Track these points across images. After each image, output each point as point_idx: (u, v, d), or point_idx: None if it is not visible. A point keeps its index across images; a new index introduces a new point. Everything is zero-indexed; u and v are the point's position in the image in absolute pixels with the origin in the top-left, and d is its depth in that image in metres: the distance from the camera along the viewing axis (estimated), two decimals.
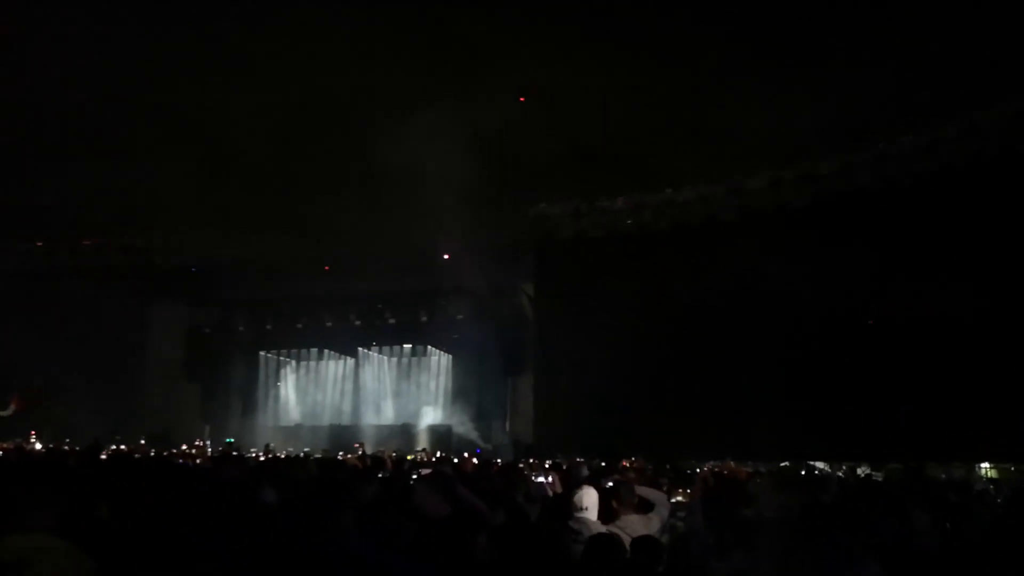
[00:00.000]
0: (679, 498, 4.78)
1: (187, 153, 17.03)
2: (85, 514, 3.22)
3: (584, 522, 4.02)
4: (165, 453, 13.49)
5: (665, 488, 5.88)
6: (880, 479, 11.77)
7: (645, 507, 4.36)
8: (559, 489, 5.55)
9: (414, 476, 5.96)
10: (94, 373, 19.17)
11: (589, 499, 4.17)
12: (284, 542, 3.12)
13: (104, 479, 4.68)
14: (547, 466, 8.16)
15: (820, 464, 14.25)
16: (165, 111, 16.36)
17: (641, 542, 3.67)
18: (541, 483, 5.64)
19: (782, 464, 14.27)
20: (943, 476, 11.85)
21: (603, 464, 9.40)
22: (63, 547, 2.59)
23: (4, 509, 2.65)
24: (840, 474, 12.40)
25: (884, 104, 14.83)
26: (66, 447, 12.85)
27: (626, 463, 11.75)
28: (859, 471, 13.16)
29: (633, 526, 4.06)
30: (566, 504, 4.25)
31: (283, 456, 12.41)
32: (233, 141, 16.52)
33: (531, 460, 12.93)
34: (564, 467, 7.40)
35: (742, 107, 14.82)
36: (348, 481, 5.55)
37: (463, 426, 22.51)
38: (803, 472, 12.10)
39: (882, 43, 13.81)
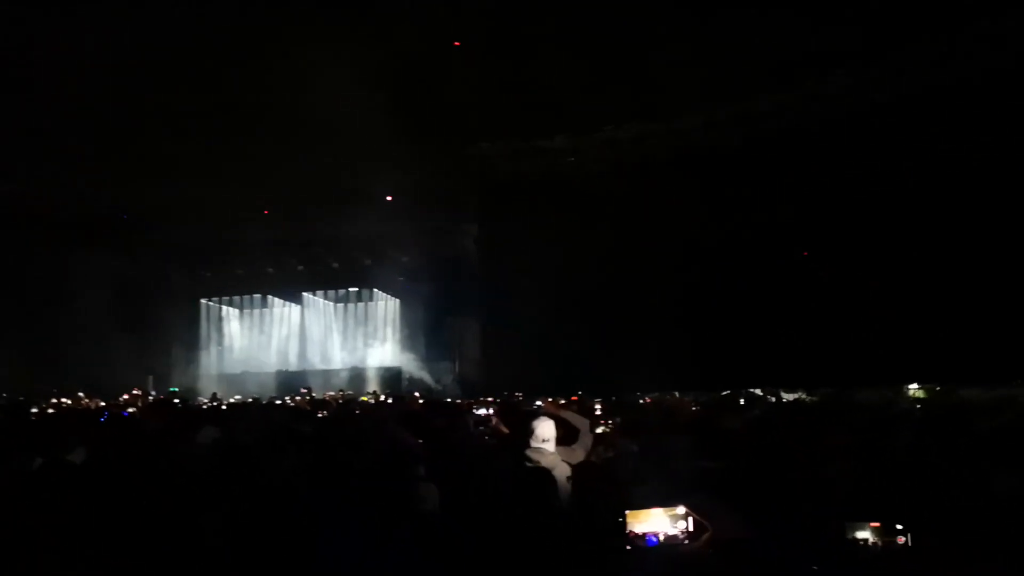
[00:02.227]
0: (602, 428, 4.92)
1: (113, 99, 16.25)
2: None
3: (542, 452, 4.04)
4: (103, 404, 13.25)
5: (609, 422, 6.07)
6: (812, 402, 12.34)
7: (570, 437, 4.45)
8: (497, 423, 5.66)
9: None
10: (21, 327, 18.51)
11: (547, 430, 4.15)
12: (221, 493, 3.11)
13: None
14: (488, 402, 8.33)
15: (757, 391, 14.83)
16: (89, 58, 15.51)
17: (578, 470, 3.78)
18: (482, 414, 5.76)
19: (723, 393, 14.79)
20: (873, 398, 12.49)
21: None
22: None
23: None
24: (771, 399, 12.91)
25: (816, 40, 14.88)
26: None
27: (574, 398, 12.03)
28: (788, 396, 13.73)
29: (561, 455, 4.16)
30: (523, 435, 4.25)
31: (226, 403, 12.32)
32: (162, 80, 15.81)
33: (482, 399, 13.14)
34: (499, 402, 7.56)
35: (678, 44, 14.71)
36: (286, 421, 5.56)
37: (412, 368, 22.64)
38: (740, 400, 12.62)
39: None
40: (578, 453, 4.33)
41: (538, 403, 7.51)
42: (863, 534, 2.45)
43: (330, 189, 19.81)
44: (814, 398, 12.80)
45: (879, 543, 2.42)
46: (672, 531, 2.18)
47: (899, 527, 2.43)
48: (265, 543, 2.46)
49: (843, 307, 15.35)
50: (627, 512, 2.21)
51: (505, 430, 5.37)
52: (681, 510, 2.15)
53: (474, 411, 6.01)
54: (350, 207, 20.13)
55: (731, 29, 14.00)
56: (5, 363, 17.77)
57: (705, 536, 2.12)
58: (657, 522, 2.18)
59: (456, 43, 15.17)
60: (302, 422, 4.91)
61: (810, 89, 16.47)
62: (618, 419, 5.87)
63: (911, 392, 14.20)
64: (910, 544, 2.40)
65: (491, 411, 6.24)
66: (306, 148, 17.09)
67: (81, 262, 21.12)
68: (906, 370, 14.17)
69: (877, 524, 2.44)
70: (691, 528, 2.14)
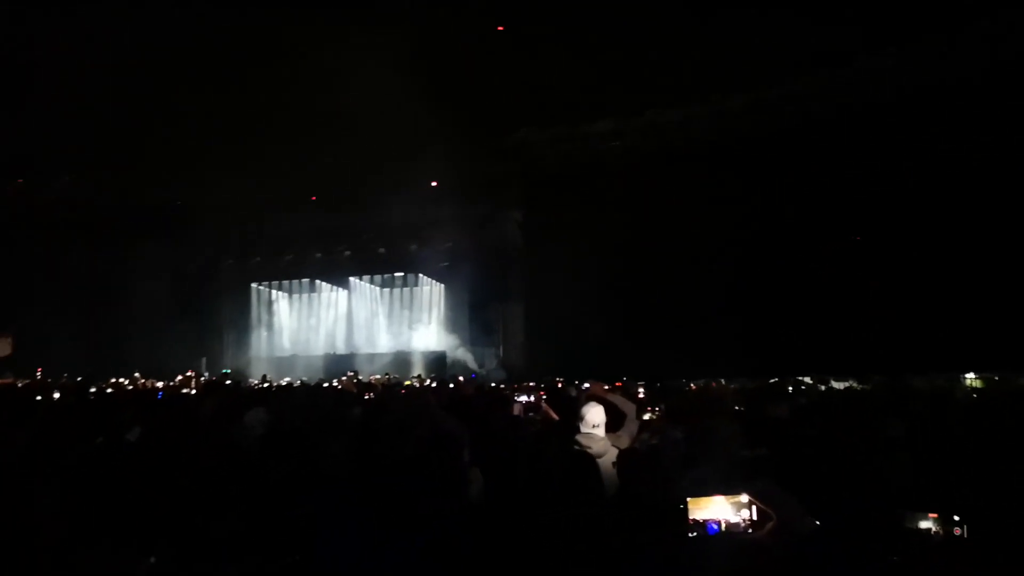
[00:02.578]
0: (648, 415, 4.88)
1: (166, 88, 16.70)
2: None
3: (592, 437, 4.05)
4: (159, 384, 13.70)
5: (654, 409, 6.02)
6: (863, 390, 12.06)
7: (616, 422, 4.43)
8: (547, 409, 5.65)
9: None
10: (81, 314, 19.24)
11: (597, 415, 4.16)
12: (270, 486, 3.18)
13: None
14: (530, 387, 8.34)
15: (807, 379, 14.55)
16: (143, 52, 15.97)
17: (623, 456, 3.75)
18: (525, 400, 5.77)
19: (771, 380, 14.56)
20: (927, 387, 12.14)
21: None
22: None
23: None
24: (822, 387, 12.65)
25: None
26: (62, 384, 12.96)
27: (619, 384, 11.99)
28: (839, 385, 13.43)
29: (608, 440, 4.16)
30: (573, 420, 4.26)
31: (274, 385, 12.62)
32: (210, 76, 16.18)
33: (524, 384, 13.18)
34: (544, 387, 7.57)
35: (727, 23, 14.40)
36: (332, 405, 5.67)
37: (457, 352, 22.82)
38: (789, 388, 12.40)
39: None
40: (623, 439, 4.32)
41: (586, 385, 7.49)
42: (924, 524, 2.41)
43: (376, 176, 20.01)
44: (865, 386, 12.50)
45: (940, 532, 2.39)
46: (734, 519, 2.15)
47: (956, 518, 2.38)
48: (308, 527, 2.52)
49: (897, 294, 14.92)
50: (688, 499, 2.19)
51: (555, 416, 5.37)
52: (744, 498, 2.12)
53: (516, 398, 6.01)
54: (396, 194, 20.32)
55: (777, 9, 13.66)
56: (69, 347, 18.52)
57: (769, 525, 2.09)
58: (719, 509, 2.16)
59: (500, 27, 15.10)
60: (349, 405, 4.99)
61: (861, 70, 15.97)
62: (662, 405, 5.81)
63: (968, 381, 13.78)
64: (966, 535, 2.35)
65: (532, 397, 6.23)
66: (352, 136, 17.27)
67: (139, 252, 21.87)
68: (962, 358, 13.75)
69: (935, 515, 2.40)
70: (755, 516, 2.11)
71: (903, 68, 15.68)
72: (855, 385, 13.26)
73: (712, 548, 2.12)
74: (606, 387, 5.71)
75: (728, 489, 2.15)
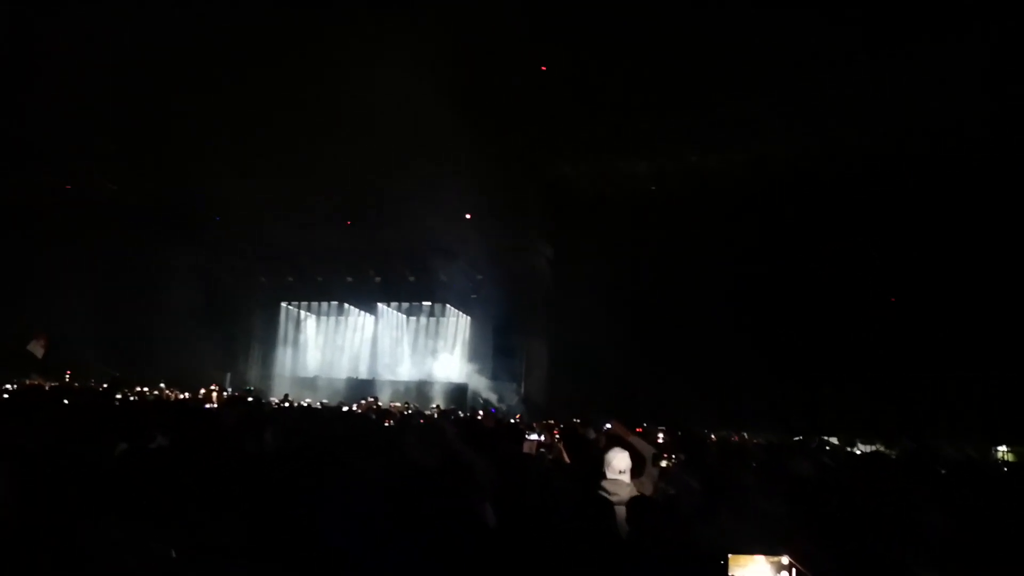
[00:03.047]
0: (665, 463, 4.78)
1: (209, 101, 17.10)
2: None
3: (619, 484, 4.02)
4: (184, 396, 13.82)
5: (672, 457, 5.89)
6: (889, 455, 11.74)
7: (638, 468, 4.35)
8: (560, 449, 5.56)
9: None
10: (110, 319, 19.56)
11: (623, 461, 4.13)
12: (275, 493, 3.19)
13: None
14: (548, 424, 8.24)
15: (834, 440, 14.22)
16: (186, 60, 16.42)
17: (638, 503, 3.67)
18: (534, 439, 5.69)
19: (795, 439, 14.25)
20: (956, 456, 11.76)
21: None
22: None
23: None
24: (848, 448, 12.35)
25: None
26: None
27: (639, 429, 11.82)
28: (865, 448, 13.10)
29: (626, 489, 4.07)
30: (588, 463, 4.21)
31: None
32: (261, 92, 16.57)
33: (542, 421, 13.05)
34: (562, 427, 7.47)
35: (764, 71, 14.45)
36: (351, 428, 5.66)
37: (478, 385, 22.72)
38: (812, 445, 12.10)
39: None
40: (647, 485, 4.24)
41: (607, 426, 7.39)
42: None
43: (411, 203, 20.23)
44: (892, 451, 12.18)
45: None
46: None
47: None
48: (317, 532, 2.50)
49: (935, 362, 14.54)
50: (729, 555, 2.13)
51: (567, 458, 5.27)
52: (786, 559, 2.05)
53: (527, 436, 5.92)
54: (429, 222, 20.49)
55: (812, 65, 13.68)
56: (99, 351, 18.82)
57: None
58: (759, 569, 2.09)
59: (543, 68, 15.31)
60: (364, 429, 4.99)
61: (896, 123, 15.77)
62: (681, 454, 5.70)
63: (999, 454, 13.34)
64: None
65: (545, 436, 6.14)
66: (391, 162, 17.53)
67: (174, 258, 22.26)
68: (994, 430, 13.35)
69: None
70: None
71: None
72: (882, 449, 12.93)
73: None
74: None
75: (769, 549, 2.08)
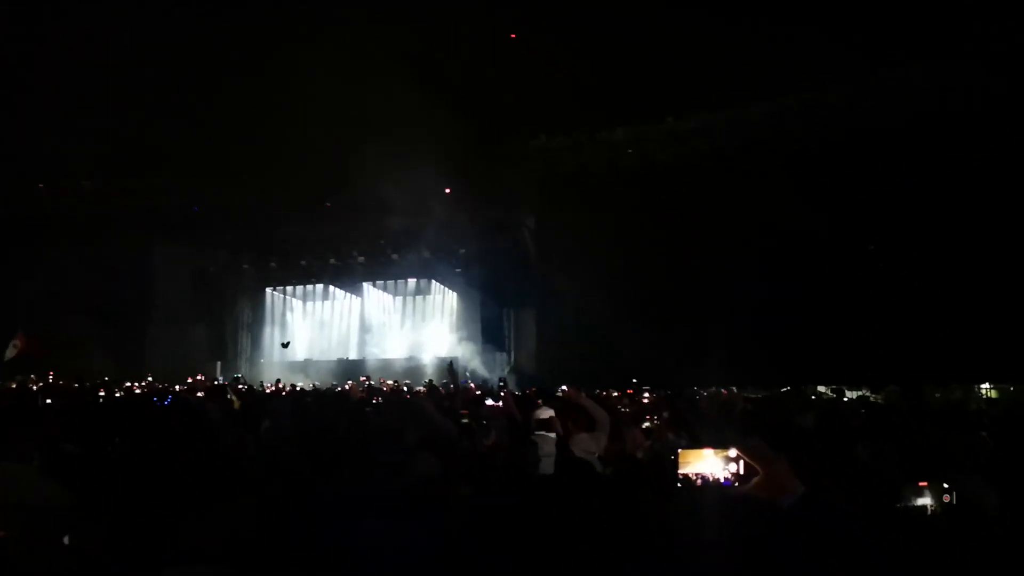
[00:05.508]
0: (647, 424, 4.88)
1: (186, 98, 16.98)
2: (54, 447, 3.31)
3: (544, 437, 4.31)
4: (176, 387, 13.81)
5: (658, 418, 5.99)
6: (879, 401, 11.92)
7: (589, 425, 4.52)
8: (513, 410, 5.70)
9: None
10: (101, 316, 19.47)
11: (544, 413, 4.57)
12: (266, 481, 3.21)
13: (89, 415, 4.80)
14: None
15: (821, 388, 14.42)
16: (166, 56, 16.22)
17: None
18: (491, 405, 5.83)
19: (783, 389, 14.44)
20: (938, 396, 11.98)
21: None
22: (33, 474, 2.68)
23: None
24: (834, 396, 12.51)
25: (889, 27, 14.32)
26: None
27: (629, 391, 11.95)
28: (851, 394, 13.29)
29: (583, 443, 4.24)
30: (527, 422, 4.48)
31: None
32: (230, 83, 16.41)
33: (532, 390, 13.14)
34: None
35: (744, 32, 14.37)
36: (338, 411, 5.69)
37: (469, 359, 22.80)
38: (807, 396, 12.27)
39: None
40: (601, 440, 4.42)
41: (562, 389, 7.58)
42: (920, 501, 2.49)
43: (390, 182, 20.13)
44: (878, 397, 12.36)
45: (935, 507, 2.45)
46: (723, 473, 2.15)
47: (946, 485, 2.47)
48: (287, 531, 2.51)
49: (911, 304, 14.74)
50: (679, 451, 2.20)
51: (517, 413, 5.46)
52: (733, 452, 2.11)
53: (486, 402, 6.09)
54: (410, 200, 20.39)
55: (794, 18, 13.61)
56: (88, 348, 18.78)
57: (755, 480, 2.07)
58: (709, 463, 2.16)
59: (512, 35, 15.16)
60: (351, 411, 5.02)
61: (881, 81, 15.84)
62: (666, 412, 5.78)
63: (983, 391, 13.59)
64: (955, 502, 2.38)
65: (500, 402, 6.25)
66: (366, 142, 17.39)
67: (160, 254, 22.16)
68: (978, 368, 13.57)
69: (925, 483, 2.47)
70: (742, 471, 2.10)
71: (927, 78, 15.54)
72: (868, 395, 13.12)
73: (697, 500, 2.12)
74: (583, 393, 5.85)
75: (718, 443, 2.14)
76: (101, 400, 7.67)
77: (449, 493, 2.88)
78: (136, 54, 16.04)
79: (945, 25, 13.95)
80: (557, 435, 4.56)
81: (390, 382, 18.41)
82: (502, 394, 6.27)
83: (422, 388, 15.13)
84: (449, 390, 9.00)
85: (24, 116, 16.63)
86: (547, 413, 4.49)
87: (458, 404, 5.80)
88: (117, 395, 9.09)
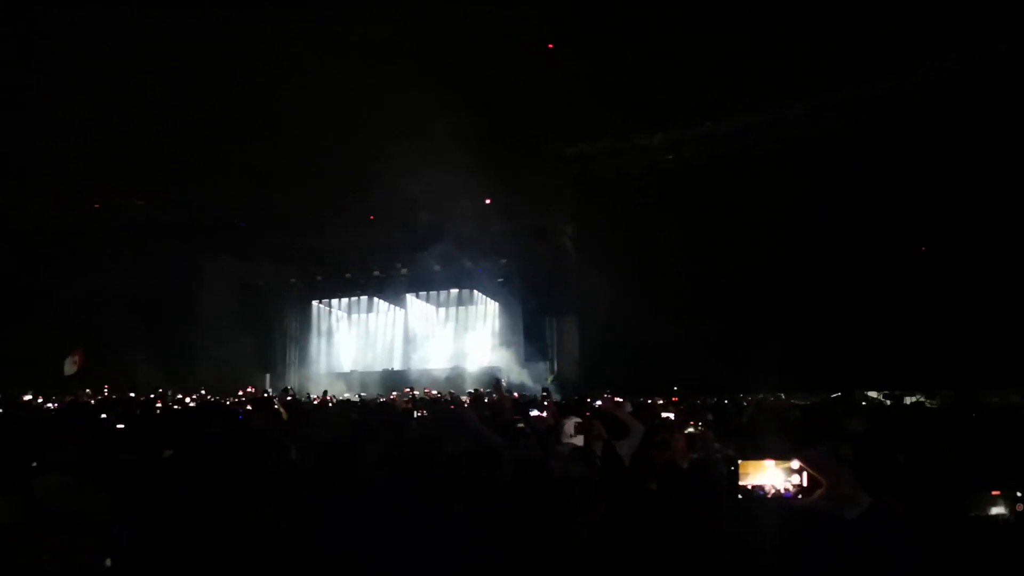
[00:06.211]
0: (691, 429, 4.80)
1: (233, 109, 17.35)
2: (106, 456, 3.38)
3: (569, 448, 4.24)
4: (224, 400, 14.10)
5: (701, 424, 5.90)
6: (933, 406, 11.52)
7: (620, 435, 4.47)
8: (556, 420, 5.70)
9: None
10: (152, 328, 20.00)
11: (571, 427, 4.47)
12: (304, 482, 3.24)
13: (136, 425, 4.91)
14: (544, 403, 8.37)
15: (872, 393, 14.02)
16: (210, 70, 16.63)
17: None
18: (535, 415, 5.82)
19: (832, 395, 14.07)
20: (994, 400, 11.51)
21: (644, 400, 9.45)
22: (83, 485, 2.74)
23: (27, 454, 2.79)
24: (888, 402, 12.14)
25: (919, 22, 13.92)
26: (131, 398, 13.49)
27: (675, 399, 11.78)
28: (909, 399, 12.86)
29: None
30: (556, 432, 4.45)
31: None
32: (279, 96, 16.74)
33: (575, 399, 13.06)
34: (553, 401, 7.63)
35: (779, 31, 14.11)
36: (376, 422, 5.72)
37: (511, 368, 22.81)
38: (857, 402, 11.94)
39: None
40: (623, 447, 4.40)
41: (599, 401, 7.55)
42: (993, 510, 2.35)
43: (432, 192, 20.28)
44: (934, 402, 11.95)
45: (1008, 515, 2.32)
46: (784, 484, 2.08)
47: (1020, 494, 2.31)
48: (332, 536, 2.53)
49: (962, 305, 14.21)
50: (739, 462, 2.14)
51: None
52: (795, 464, 2.05)
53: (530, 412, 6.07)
54: (451, 210, 20.52)
55: (828, 17, 13.32)
56: (141, 363, 19.29)
57: (818, 492, 2.00)
58: (770, 475, 2.09)
59: (550, 45, 15.17)
60: (393, 422, 5.05)
61: (920, 75, 15.39)
62: (709, 418, 5.68)
63: None
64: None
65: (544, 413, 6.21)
66: (405, 153, 17.57)
67: (209, 267, 22.70)
68: None
69: (998, 492, 2.34)
70: (804, 483, 2.03)
71: (970, 70, 15.07)
72: (923, 399, 12.70)
73: (759, 511, 2.06)
74: (619, 400, 5.83)
75: (779, 455, 2.08)
76: (158, 412, 7.89)
77: (490, 502, 2.87)
78: (180, 71, 16.45)
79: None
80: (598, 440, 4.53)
81: (434, 392, 18.54)
82: (545, 404, 6.26)
83: (465, 398, 15.20)
84: (492, 400, 9.01)
85: (76, 135, 17.25)
86: (570, 426, 4.46)
87: (506, 414, 5.80)
88: (174, 408, 9.32)
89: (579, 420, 4.46)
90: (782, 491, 2.06)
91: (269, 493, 3.16)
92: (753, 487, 2.09)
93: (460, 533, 2.49)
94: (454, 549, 2.45)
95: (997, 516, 2.34)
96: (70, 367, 16.10)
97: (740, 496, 2.09)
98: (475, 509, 2.85)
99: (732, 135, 18.03)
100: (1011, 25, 13.77)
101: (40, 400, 12.91)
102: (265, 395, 17.32)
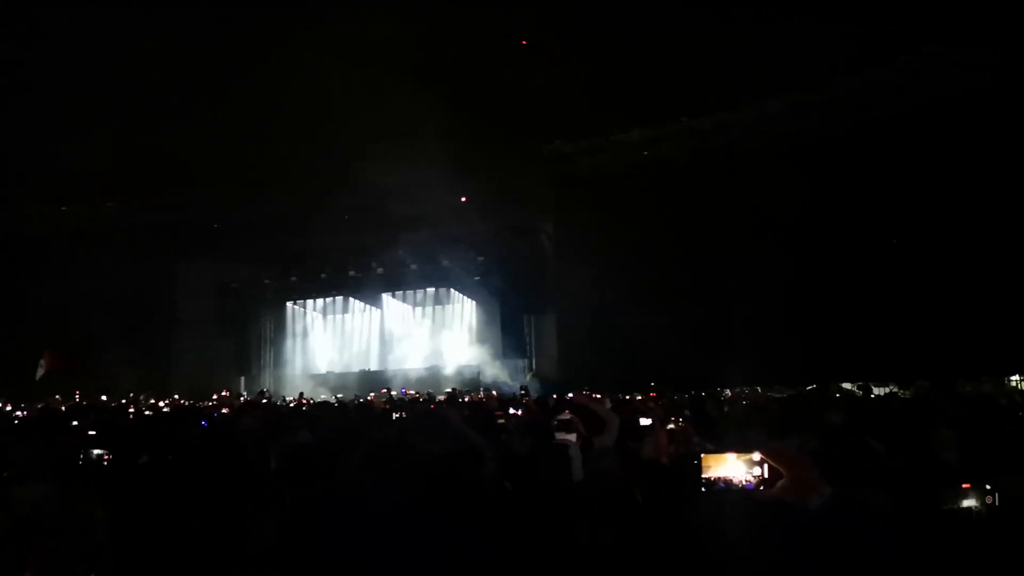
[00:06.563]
0: (672, 426, 4.83)
1: (206, 111, 17.15)
2: (81, 463, 3.31)
3: (564, 442, 4.26)
4: (199, 404, 13.91)
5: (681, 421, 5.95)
6: (907, 397, 11.71)
7: (600, 429, 4.50)
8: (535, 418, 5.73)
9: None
10: (127, 332, 19.70)
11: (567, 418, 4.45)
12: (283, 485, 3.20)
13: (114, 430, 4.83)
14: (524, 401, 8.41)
15: (847, 385, 14.22)
16: (187, 71, 16.41)
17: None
18: (513, 413, 5.84)
19: (808, 387, 14.26)
20: (968, 390, 11.74)
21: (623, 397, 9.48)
22: (66, 491, 2.68)
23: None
24: (860, 393, 12.32)
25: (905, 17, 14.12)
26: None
27: (652, 395, 11.85)
28: (882, 390, 13.07)
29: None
30: (549, 427, 4.47)
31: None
32: (248, 98, 16.57)
33: (554, 396, 13.08)
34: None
35: (756, 28, 14.23)
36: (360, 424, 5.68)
37: (490, 367, 22.80)
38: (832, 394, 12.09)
39: None
40: (604, 439, 4.43)
41: (570, 395, 7.62)
42: (965, 503, 2.42)
43: (407, 191, 20.18)
44: (907, 392, 12.15)
45: (979, 509, 2.38)
46: (746, 477, 2.09)
47: (988, 487, 2.39)
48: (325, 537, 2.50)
49: (937, 298, 14.49)
50: (702, 455, 2.15)
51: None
52: (756, 456, 2.06)
53: (510, 411, 6.11)
54: (426, 208, 20.42)
55: (809, 12, 13.46)
56: (116, 367, 19.00)
57: (779, 483, 2.01)
58: (731, 467, 2.10)
59: (523, 42, 15.16)
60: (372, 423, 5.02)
61: (904, 70, 15.63)
62: (687, 413, 5.72)
63: (1015, 383, 13.31)
64: (998, 503, 2.30)
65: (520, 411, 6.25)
66: (381, 151, 17.48)
67: (183, 270, 22.39)
68: (1009, 360, 13.29)
69: (968, 485, 2.38)
70: (766, 475, 2.05)
71: (947, 67, 15.32)
72: (897, 391, 12.91)
73: (720, 504, 2.07)
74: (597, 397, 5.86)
75: (742, 447, 2.09)
76: (130, 416, 7.76)
77: (474, 501, 2.86)
78: (155, 71, 16.23)
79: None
80: (579, 436, 4.56)
81: (412, 392, 18.47)
82: (524, 402, 6.27)
83: (442, 397, 15.15)
84: (472, 398, 9.01)
85: (45, 137, 16.92)
86: (565, 415, 4.50)
87: (489, 412, 5.80)
88: (146, 413, 9.17)
89: (566, 418, 4.48)
90: (743, 483, 2.07)
91: (251, 497, 3.13)
92: (715, 479, 2.10)
93: (457, 533, 2.48)
94: (453, 549, 2.43)
95: (969, 508, 2.39)
96: (39, 371, 15.80)
97: (704, 489, 2.10)
98: (465, 508, 2.84)
99: (710, 131, 18.17)
100: (1000, 22, 13.98)
101: (8, 408, 12.62)
102: (241, 398, 17.16)
